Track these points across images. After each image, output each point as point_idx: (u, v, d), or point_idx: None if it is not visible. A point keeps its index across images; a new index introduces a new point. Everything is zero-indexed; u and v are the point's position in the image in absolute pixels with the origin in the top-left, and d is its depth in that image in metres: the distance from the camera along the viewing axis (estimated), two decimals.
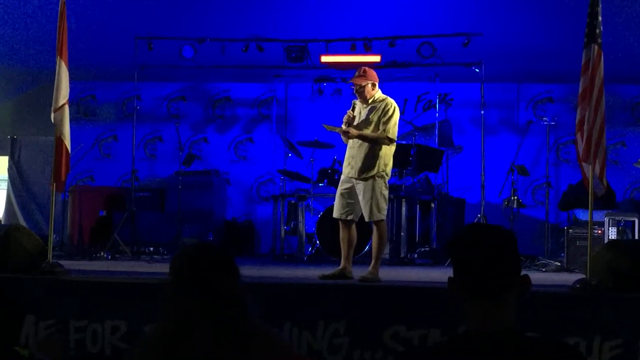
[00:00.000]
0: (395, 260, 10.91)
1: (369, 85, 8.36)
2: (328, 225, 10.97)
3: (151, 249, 11.61)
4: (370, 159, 8.24)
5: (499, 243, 2.79)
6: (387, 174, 8.36)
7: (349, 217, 8.40)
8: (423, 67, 12.11)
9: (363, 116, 8.37)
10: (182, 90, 14.55)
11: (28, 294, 7.33)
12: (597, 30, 7.34)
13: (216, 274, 2.96)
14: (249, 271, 8.49)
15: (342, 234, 8.46)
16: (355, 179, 8.28)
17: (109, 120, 14.57)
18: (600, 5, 7.39)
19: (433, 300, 6.92)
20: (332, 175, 11.61)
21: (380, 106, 8.33)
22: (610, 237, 9.79)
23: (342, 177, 8.51)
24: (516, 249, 2.82)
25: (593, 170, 7.26)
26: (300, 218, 11.77)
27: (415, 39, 11.75)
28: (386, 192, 8.35)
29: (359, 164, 8.25)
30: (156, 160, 14.38)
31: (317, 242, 11.19)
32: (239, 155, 14.35)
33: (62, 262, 8.55)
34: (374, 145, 8.27)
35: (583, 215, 10.65)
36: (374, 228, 8.31)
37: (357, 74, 8.42)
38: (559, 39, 11.11)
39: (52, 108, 8.21)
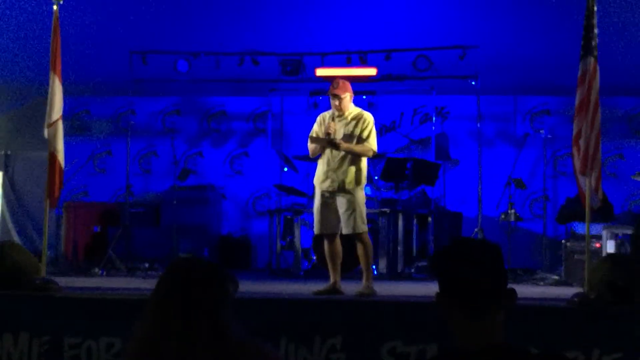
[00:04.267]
0: (392, 275, 10.87)
1: (348, 96, 8.39)
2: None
3: (146, 264, 11.54)
4: (353, 172, 8.27)
5: (486, 257, 2.76)
6: (364, 185, 8.46)
7: (331, 231, 8.39)
8: (419, 80, 12.08)
9: (342, 129, 8.35)
10: (176, 104, 14.52)
11: (22, 311, 7.28)
12: (593, 43, 7.35)
13: (202, 288, 2.94)
14: (245, 286, 8.40)
15: (328, 248, 8.44)
16: (338, 192, 8.27)
17: (104, 135, 14.53)
18: (596, 18, 7.39)
19: (430, 315, 6.87)
20: None
21: (360, 119, 8.35)
22: (608, 251, 9.75)
23: (319, 191, 8.44)
24: (502, 262, 2.79)
25: (590, 183, 7.24)
26: (296, 233, 11.71)
27: (411, 52, 11.74)
28: (364, 204, 8.43)
29: (342, 177, 8.24)
30: (151, 175, 14.33)
31: (314, 256, 11.15)
32: (234, 169, 14.31)
33: (56, 278, 8.50)
34: (356, 158, 8.29)
35: (581, 228, 10.60)
36: (359, 241, 8.29)
37: (337, 85, 8.36)
38: (555, 51, 11.11)
39: (46, 123, 8.21)
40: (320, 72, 12.10)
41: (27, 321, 7.20)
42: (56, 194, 8.26)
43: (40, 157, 9.23)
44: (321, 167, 8.44)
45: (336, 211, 8.34)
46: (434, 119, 12.88)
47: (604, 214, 10.57)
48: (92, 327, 7.06)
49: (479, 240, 2.92)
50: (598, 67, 7.37)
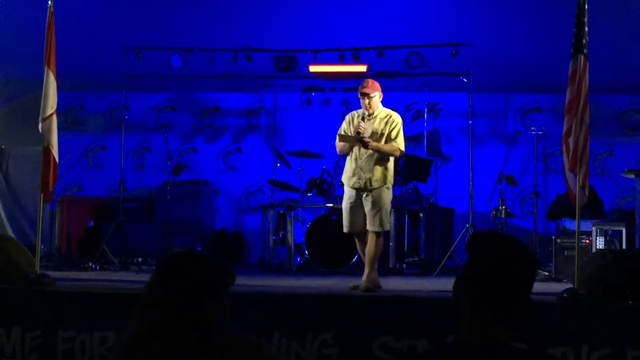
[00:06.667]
0: (383, 271, 10.91)
1: (377, 96, 8.53)
2: (317, 235, 11.01)
3: (139, 259, 11.57)
4: (381, 171, 8.44)
5: (524, 265, 2.70)
6: (391, 185, 8.61)
7: (360, 229, 8.57)
8: (411, 77, 12.11)
9: (370, 129, 8.48)
10: (170, 100, 14.52)
11: (15, 305, 7.31)
12: (584, 41, 7.39)
13: (192, 282, 2.95)
14: (237, 281, 8.40)
15: (359, 246, 8.68)
16: (365, 190, 8.43)
17: (97, 130, 14.53)
18: (587, 16, 7.44)
19: (421, 311, 6.94)
20: (321, 185, 11.63)
21: (388, 119, 8.52)
22: (597, 247, 9.82)
23: (347, 189, 8.61)
24: (533, 276, 2.74)
25: (579, 180, 7.30)
26: (288, 228, 11.75)
27: (404, 49, 11.76)
28: (390, 204, 8.63)
29: (369, 175, 8.41)
30: (144, 171, 14.34)
31: (306, 252, 11.19)
32: (227, 165, 14.33)
33: (50, 272, 8.54)
34: (384, 157, 8.46)
35: (571, 225, 10.68)
36: (374, 237, 8.45)
37: (366, 85, 8.50)
38: (546, 49, 11.15)
39: (40, 118, 8.21)
40: (314, 68, 12.14)
41: (20, 315, 7.24)
42: (50, 188, 8.28)
43: (35, 152, 9.23)
44: (349, 165, 8.60)
45: (362, 208, 8.50)
46: (425, 115, 12.90)
47: (594, 211, 10.65)
48: (85, 321, 7.10)
49: (524, 245, 2.76)
50: (588, 65, 7.42)
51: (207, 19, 11.49)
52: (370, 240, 8.46)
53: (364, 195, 8.44)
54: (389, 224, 8.56)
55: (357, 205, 8.51)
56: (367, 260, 8.50)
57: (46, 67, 8.30)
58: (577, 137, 7.28)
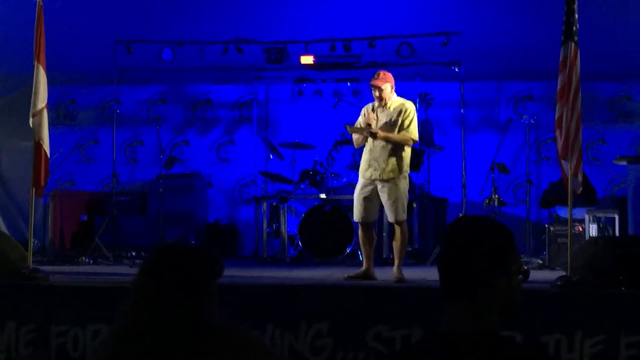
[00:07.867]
0: (377, 261, 10.90)
1: (389, 87, 8.57)
2: (310, 226, 11.01)
3: (133, 253, 11.55)
4: (395, 161, 8.49)
5: (478, 239, 2.57)
6: (407, 174, 8.64)
7: (370, 220, 8.66)
8: (403, 67, 12.08)
9: (384, 119, 8.58)
10: (162, 93, 14.48)
11: (8, 300, 7.31)
12: (574, 28, 7.40)
13: (181, 273, 2.94)
14: (232, 273, 8.48)
15: (362, 236, 8.68)
16: (380, 180, 8.47)
17: (89, 124, 14.48)
18: (577, 3, 7.44)
19: (415, 300, 6.94)
20: (314, 176, 11.63)
21: (402, 108, 8.57)
22: (591, 234, 9.84)
23: (362, 180, 8.66)
24: (504, 248, 2.59)
25: (571, 167, 7.31)
26: (282, 220, 11.78)
27: (395, 39, 11.74)
28: (407, 193, 8.64)
29: (384, 166, 8.46)
30: (137, 164, 14.32)
31: (300, 243, 11.20)
32: (220, 157, 14.31)
33: (43, 267, 8.54)
34: (397, 146, 8.51)
35: (564, 212, 10.68)
36: (398, 228, 8.54)
37: (377, 77, 8.60)
38: (538, 37, 11.12)
39: (31, 112, 8.19)
40: (305, 59, 12.11)
41: (13, 310, 7.24)
42: (42, 182, 8.27)
43: (27, 147, 9.21)
44: (365, 156, 8.67)
45: (376, 200, 8.58)
46: (418, 105, 12.87)
47: (587, 198, 10.66)
48: (78, 315, 7.10)
49: (484, 220, 2.70)
50: (579, 52, 7.43)
51: (198, 12, 11.46)
52: (396, 232, 8.56)
53: (380, 186, 8.49)
54: (404, 213, 8.52)
55: (368, 195, 8.56)
56: (396, 252, 8.58)
57: (36, 62, 8.28)
58: (569, 124, 7.30)
